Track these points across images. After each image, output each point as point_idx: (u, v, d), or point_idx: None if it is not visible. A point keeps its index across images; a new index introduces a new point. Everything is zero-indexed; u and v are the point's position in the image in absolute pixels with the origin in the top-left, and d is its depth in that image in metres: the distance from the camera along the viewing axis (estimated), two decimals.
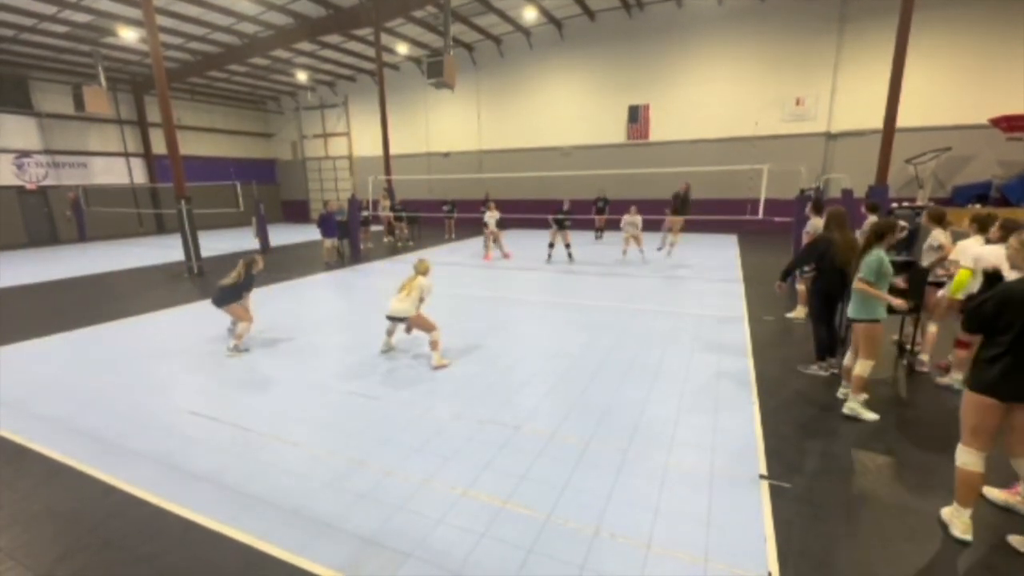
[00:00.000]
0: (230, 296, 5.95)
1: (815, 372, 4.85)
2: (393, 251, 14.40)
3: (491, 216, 12.38)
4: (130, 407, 4.43)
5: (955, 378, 4.40)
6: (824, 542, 2.61)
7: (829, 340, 4.78)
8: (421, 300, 5.34)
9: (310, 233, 13.45)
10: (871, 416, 3.90)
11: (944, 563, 2.47)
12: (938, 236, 5.03)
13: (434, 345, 5.34)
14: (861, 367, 3.88)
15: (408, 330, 5.72)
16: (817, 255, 4.62)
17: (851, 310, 3.96)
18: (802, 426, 3.83)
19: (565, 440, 3.67)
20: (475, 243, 15.26)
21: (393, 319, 5.41)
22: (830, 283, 4.56)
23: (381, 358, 5.57)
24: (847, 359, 4.16)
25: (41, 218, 19.11)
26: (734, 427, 3.82)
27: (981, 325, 2.59)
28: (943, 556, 2.51)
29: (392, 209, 15.92)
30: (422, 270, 5.49)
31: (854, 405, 3.96)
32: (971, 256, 4.17)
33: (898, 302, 3.86)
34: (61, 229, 19.57)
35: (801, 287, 6.72)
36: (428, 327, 5.38)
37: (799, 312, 6.73)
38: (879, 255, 3.77)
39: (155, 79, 10.69)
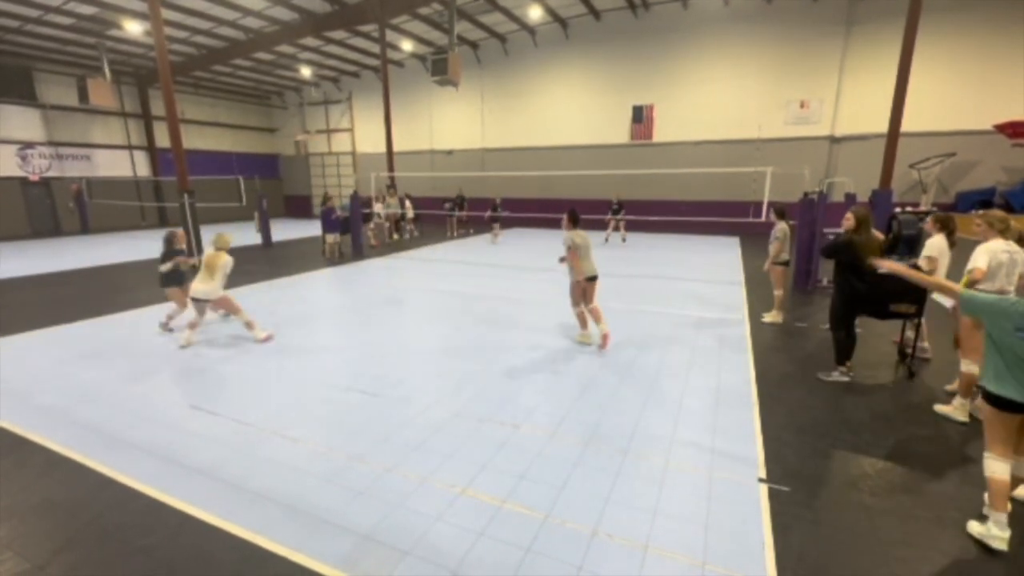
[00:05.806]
0: (165, 280, 6.13)
1: (837, 378, 4.73)
2: (396, 248, 14.39)
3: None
4: (130, 400, 4.44)
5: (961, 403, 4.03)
6: (823, 547, 2.60)
7: (850, 344, 4.69)
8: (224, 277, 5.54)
9: (312, 228, 13.51)
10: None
11: (944, 570, 2.46)
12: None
13: (249, 326, 5.62)
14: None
15: (215, 310, 5.89)
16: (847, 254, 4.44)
17: None
18: (802, 430, 3.82)
19: (564, 440, 3.67)
20: (481, 240, 15.25)
21: (197, 300, 5.54)
22: (854, 286, 4.42)
23: (380, 355, 5.56)
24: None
25: (44, 209, 19.13)
26: (733, 430, 3.81)
27: None
28: (943, 562, 2.50)
29: (401, 205, 15.88)
30: (222, 245, 5.53)
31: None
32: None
33: None
34: (64, 221, 19.60)
35: (778, 292, 6.64)
36: (233, 309, 5.57)
37: (775, 316, 6.65)
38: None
39: (159, 72, 10.70)
